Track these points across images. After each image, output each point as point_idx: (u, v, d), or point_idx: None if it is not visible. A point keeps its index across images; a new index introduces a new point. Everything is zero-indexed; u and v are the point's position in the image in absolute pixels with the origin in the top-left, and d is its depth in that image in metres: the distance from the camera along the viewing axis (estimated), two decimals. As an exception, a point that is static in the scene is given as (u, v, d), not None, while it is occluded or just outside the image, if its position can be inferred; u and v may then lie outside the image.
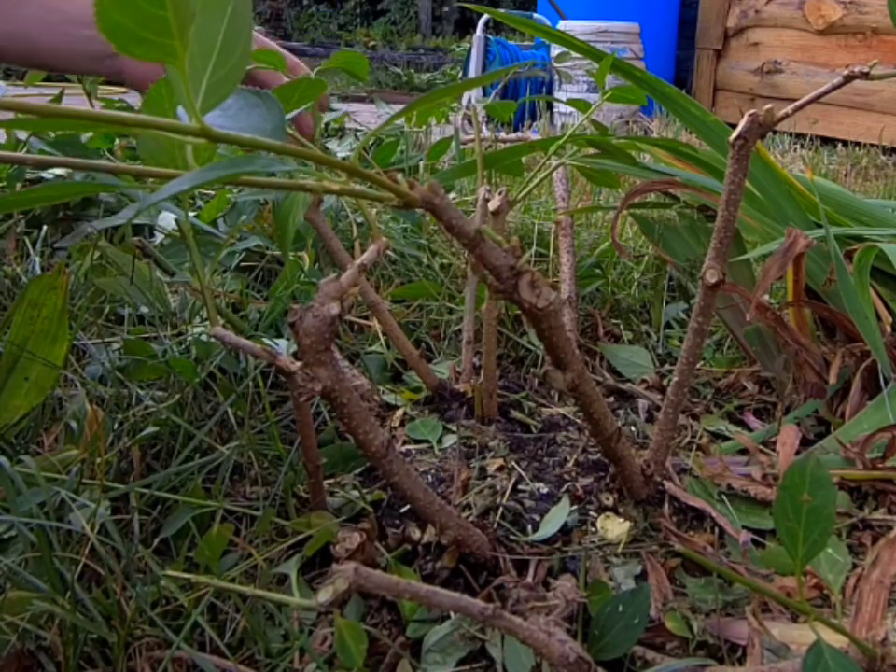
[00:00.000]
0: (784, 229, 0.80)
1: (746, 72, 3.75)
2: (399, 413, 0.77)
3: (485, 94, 3.11)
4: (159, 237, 1.02)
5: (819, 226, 0.80)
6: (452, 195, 1.42)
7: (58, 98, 1.19)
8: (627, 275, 1.12)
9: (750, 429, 0.78)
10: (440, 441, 0.72)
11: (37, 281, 0.65)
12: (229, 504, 0.61)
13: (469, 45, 4.07)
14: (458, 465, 0.66)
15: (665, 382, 0.86)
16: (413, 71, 6.14)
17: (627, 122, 3.30)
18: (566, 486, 0.65)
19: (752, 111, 0.53)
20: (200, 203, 1.19)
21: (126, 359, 0.73)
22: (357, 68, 0.72)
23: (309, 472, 0.60)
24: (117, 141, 1.42)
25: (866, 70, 0.56)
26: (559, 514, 0.61)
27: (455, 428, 0.73)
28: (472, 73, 3.66)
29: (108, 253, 0.86)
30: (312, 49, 7.06)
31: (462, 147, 1.32)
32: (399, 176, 0.35)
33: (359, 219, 1.12)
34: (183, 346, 0.77)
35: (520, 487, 0.65)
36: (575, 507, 0.62)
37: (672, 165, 0.96)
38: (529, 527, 0.60)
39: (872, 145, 2.85)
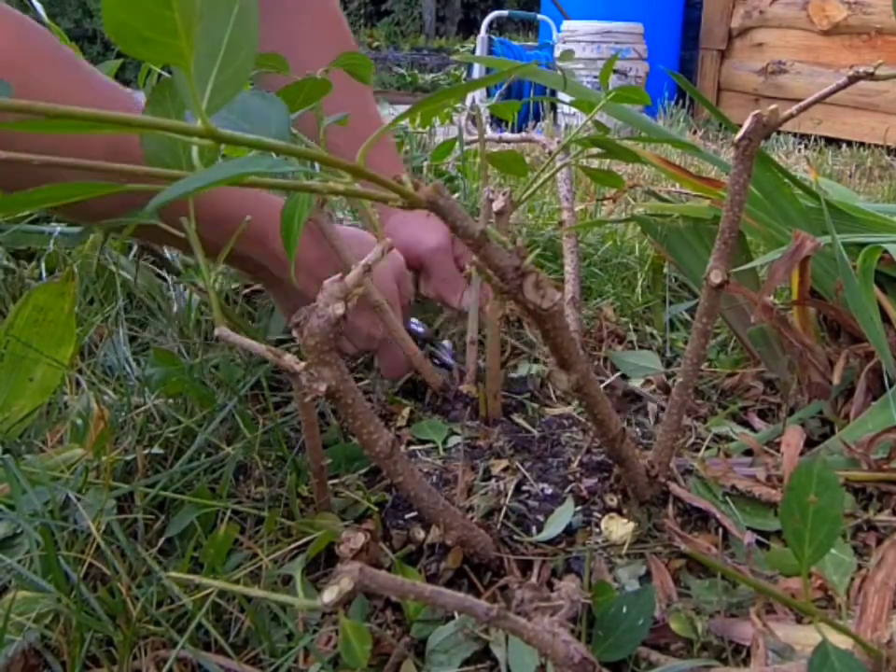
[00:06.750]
0: (787, 230, 0.80)
1: (750, 72, 3.74)
2: (405, 412, 0.77)
3: (489, 95, 3.12)
4: None
5: (824, 228, 0.79)
6: (455, 195, 1.42)
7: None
8: (631, 277, 1.12)
9: (755, 430, 0.78)
10: (445, 442, 0.72)
11: (44, 287, 0.66)
12: (233, 504, 0.61)
13: (473, 45, 4.07)
14: (463, 465, 0.66)
15: (670, 382, 0.86)
16: (416, 72, 6.14)
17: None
18: (570, 487, 0.65)
19: (757, 112, 0.53)
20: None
21: (143, 358, 0.73)
22: (362, 70, 0.72)
23: (313, 473, 0.60)
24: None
25: (871, 70, 0.56)
26: (563, 515, 0.61)
27: (459, 429, 0.73)
28: (476, 73, 3.66)
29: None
30: (316, 49, 7.05)
31: (466, 147, 1.33)
32: (404, 177, 0.35)
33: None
34: (206, 360, 0.77)
35: (524, 488, 0.65)
36: (579, 508, 0.62)
37: (673, 176, 0.96)
38: (533, 528, 0.60)
39: (876, 145, 2.85)
